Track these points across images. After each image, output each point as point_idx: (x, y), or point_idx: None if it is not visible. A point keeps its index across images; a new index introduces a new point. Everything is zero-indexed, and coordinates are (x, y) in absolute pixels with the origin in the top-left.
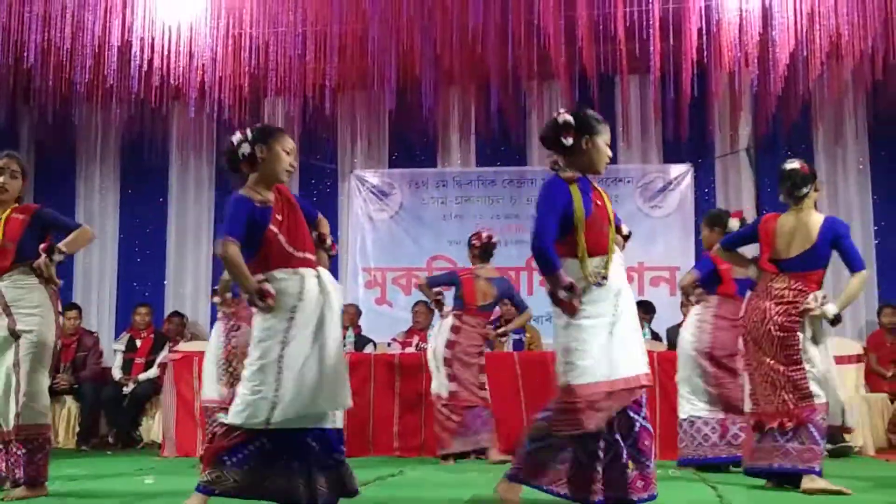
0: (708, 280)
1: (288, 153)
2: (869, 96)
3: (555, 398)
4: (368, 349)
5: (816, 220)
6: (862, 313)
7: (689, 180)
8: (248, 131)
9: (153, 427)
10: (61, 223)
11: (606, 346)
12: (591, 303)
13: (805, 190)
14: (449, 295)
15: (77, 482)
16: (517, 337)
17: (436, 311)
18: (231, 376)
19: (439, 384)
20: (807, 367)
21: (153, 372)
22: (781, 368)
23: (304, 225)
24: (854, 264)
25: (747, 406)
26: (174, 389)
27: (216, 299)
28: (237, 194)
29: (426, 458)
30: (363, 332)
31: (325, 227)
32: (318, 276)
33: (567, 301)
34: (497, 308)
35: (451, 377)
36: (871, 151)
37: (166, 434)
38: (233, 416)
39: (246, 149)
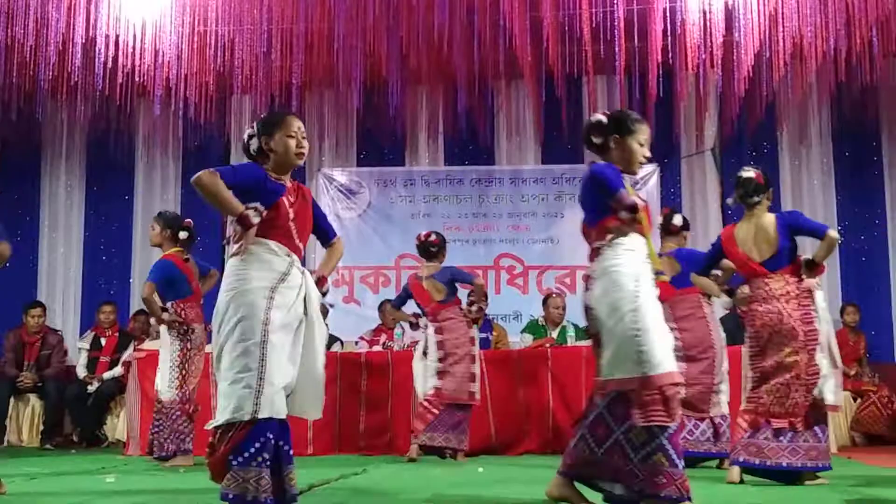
0: None
1: (293, 136)
2: (833, 97)
3: (610, 392)
4: (335, 348)
5: (769, 220)
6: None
7: (655, 180)
8: (256, 125)
9: (118, 426)
10: None
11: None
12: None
13: (756, 199)
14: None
15: (37, 480)
16: (483, 335)
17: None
18: (184, 379)
19: (424, 385)
20: (823, 363)
21: (118, 370)
22: (804, 367)
23: (311, 222)
24: (819, 231)
25: (743, 403)
26: (139, 388)
27: (164, 317)
28: (248, 163)
29: (392, 456)
30: (330, 331)
31: (335, 257)
32: (304, 274)
33: (626, 221)
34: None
35: (442, 373)
36: (834, 151)
37: (130, 433)
38: (219, 415)
39: (255, 144)
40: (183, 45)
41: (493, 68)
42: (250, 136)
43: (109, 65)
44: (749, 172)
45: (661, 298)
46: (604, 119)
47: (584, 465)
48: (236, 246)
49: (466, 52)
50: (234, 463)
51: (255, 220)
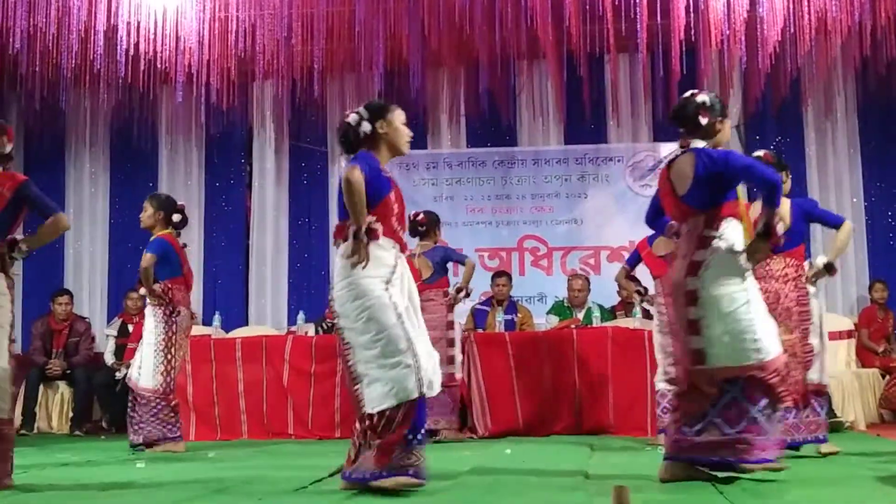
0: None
1: (405, 122)
2: (858, 72)
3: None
4: None
5: (785, 205)
6: (853, 289)
7: None
8: (363, 110)
9: None
10: (40, 205)
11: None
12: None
13: None
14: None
15: (69, 468)
16: (509, 317)
17: None
18: (169, 364)
19: None
20: (813, 342)
21: None
22: (797, 345)
23: (404, 212)
24: (834, 221)
25: None
26: None
27: (143, 291)
28: (364, 153)
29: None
30: None
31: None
32: (403, 262)
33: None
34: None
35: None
36: (860, 127)
37: None
38: (382, 400)
39: (367, 127)
40: (204, 31)
41: (515, 48)
42: (358, 121)
43: (131, 52)
44: (758, 153)
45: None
46: (708, 100)
47: (701, 449)
48: (353, 255)
49: (487, 33)
50: (415, 441)
51: (379, 231)
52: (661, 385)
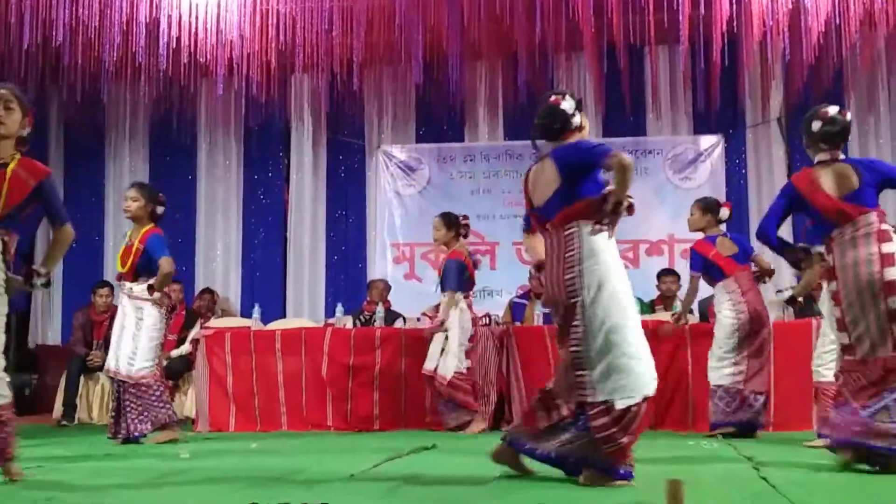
0: (707, 270)
1: None
2: None
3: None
4: (398, 324)
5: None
6: None
7: (719, 151)
8: (573, 99)
9: (186, 403)
10: (54, 206)
11: None
12: None
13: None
14: (455, 279)
15: (112, 458)
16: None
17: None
18: (158, 357)
19: (449, 363)
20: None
21: (185, 348)
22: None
23: None
24: None
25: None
26: (207, 365)
27: (156, 295)
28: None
29: (457, 433)
30: (392, 307)
31: None
32: None
33: None
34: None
35: (468, 353)
36: None
37: (200, 409)
38: (627, 392)
39: (578, 119)
40: (245, 24)
41: (555, 40)
42: (574, 110)
43: (172, 45)
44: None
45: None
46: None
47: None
48: (603, 229)
49: (527, 25)
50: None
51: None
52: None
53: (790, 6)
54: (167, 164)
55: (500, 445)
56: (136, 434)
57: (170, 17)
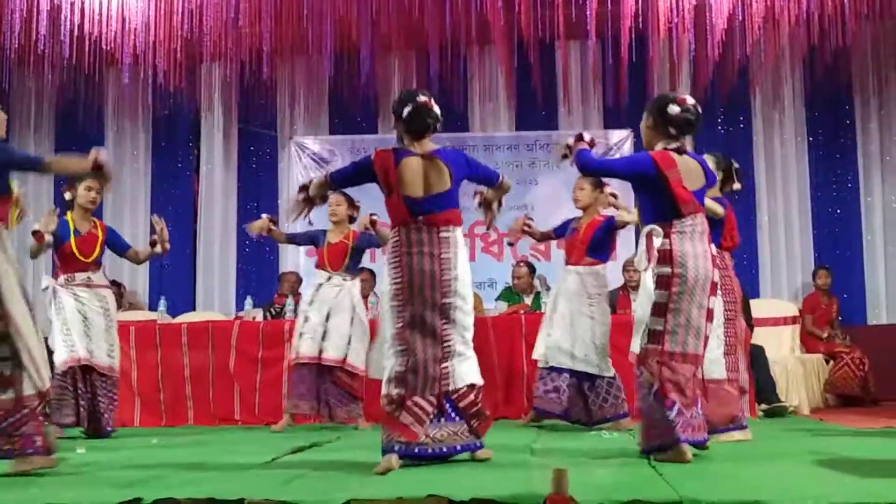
0: None
1: None
2: (805, 60)
3: None
4: None
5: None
6: (797, 276)
7: (629, 145)
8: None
9: None
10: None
11: None
12: None
13: None
14: None
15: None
16: None
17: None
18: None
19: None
20: None
21: None
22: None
23: None
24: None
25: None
26: None
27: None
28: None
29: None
30: None
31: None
32: None
33: None
34: None
35: None
36: (808, 115)
37: None
38: (477, 376)
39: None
40: (150, 12)
41: (465, 34)
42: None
43: (76, 33)
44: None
45: None
46: None
47: None
48: None
49: (438, 18)
50: None
51: None
52: None
53: (694, 3)
54: (73, 153)
55: None
56: (110, 429)
57: (72, 3)
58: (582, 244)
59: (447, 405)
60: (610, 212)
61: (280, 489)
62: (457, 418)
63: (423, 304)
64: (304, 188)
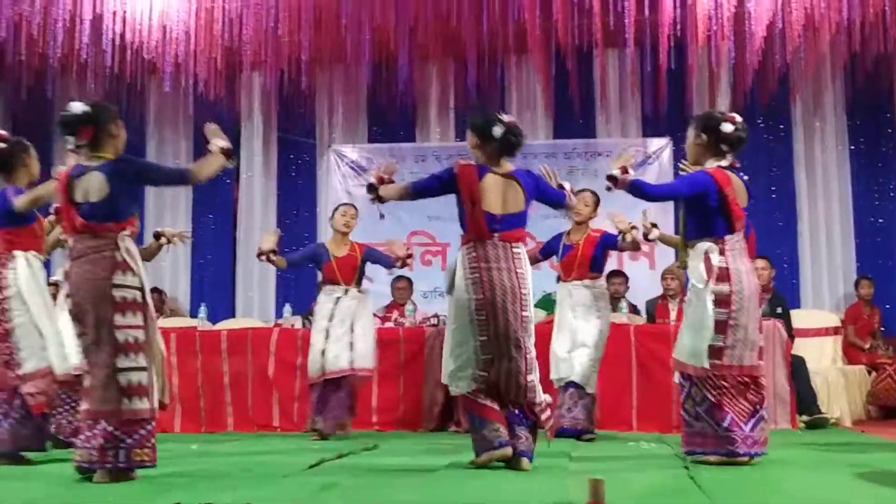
0: None
1: None
2: (846, 68)
3: None
4: None
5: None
6: (840, 286)
7: (668, 154)
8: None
9: None
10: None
11: None
12: None
13: None
14: None
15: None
16: None
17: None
18: None
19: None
20: None
21: None
22: None
23: None
24: None
25: None
26: None
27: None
28: None
29: (403, 432)
30: None
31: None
32: None
33: None
34: None
35: None
36: (849, 123)
37: None
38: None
39: None
40: (191, 22)
41: (503, 42)
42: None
43: (118, 42)
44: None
45: None
46: None
47: None
48: None
49: (475, 26)
50: None
51: None
52: None
53: (733, 10)
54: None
55: None
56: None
57: (114, 13)
58: (584, 262)
59: (521, 412)
60: (599, 224)
61: (315, 497)
62: (525, 426)
63: (506, 318)
64: (373, 188)
